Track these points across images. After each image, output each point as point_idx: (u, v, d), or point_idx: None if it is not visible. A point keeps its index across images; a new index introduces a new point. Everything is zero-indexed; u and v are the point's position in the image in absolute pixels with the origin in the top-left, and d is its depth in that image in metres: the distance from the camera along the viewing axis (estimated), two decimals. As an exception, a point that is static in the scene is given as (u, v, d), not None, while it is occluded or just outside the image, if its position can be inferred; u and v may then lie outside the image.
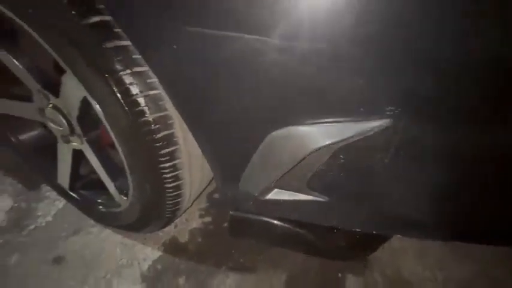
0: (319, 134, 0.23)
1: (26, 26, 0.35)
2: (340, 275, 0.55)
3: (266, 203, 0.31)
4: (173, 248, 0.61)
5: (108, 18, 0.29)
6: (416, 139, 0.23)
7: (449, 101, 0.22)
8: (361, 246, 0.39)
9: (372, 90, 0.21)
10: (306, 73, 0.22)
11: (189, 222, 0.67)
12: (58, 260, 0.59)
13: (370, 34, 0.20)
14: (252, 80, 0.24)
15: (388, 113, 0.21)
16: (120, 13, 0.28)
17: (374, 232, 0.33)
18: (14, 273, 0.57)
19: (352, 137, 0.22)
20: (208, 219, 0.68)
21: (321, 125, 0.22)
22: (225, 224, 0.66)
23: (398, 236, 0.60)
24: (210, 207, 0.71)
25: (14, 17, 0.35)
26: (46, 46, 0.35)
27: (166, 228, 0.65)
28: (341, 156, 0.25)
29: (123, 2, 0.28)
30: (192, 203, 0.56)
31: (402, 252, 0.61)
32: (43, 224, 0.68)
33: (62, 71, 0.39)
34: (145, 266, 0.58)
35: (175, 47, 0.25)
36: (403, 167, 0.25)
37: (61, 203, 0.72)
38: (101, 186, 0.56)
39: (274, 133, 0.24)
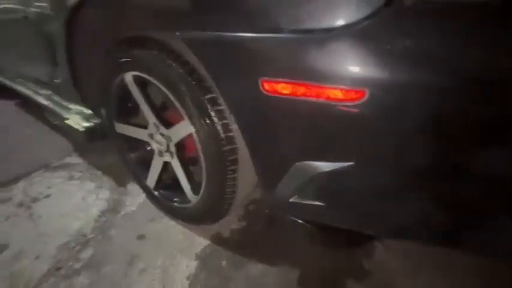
0: (316, 167, 0.44)
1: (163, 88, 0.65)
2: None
3: (290, 204, 0.52)
4: (218, 239, 0.84)
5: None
6: (372, 178, 0.43)
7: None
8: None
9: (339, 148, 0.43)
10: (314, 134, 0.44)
11: (230, 224, 0.89)
12: (141, 237, 0.85)
13: None
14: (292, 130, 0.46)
15: (351, 159, 0.42)
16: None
17: (359, 230, 0.52)
18: (113, 242, 0.84)
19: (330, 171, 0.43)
20: (243, 223, 0.90)
21: (317, 162, 0.44)
22: (255, 227, 0.88)
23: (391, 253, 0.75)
24: (246, 215, 0.93)
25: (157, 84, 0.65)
26: (174, 100, 0.63)
27: (213, 226, 0.88)
28: (330, 179, 0.45)
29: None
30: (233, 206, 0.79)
31: (394, 270, 0.75)
32: (130, 212, 0.96)
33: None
34: (198, 249, 0.80)
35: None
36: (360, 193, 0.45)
37: (142, 198, 1.00)
38: (176, 188, 0.83)
39: (297, 163, 0.47)
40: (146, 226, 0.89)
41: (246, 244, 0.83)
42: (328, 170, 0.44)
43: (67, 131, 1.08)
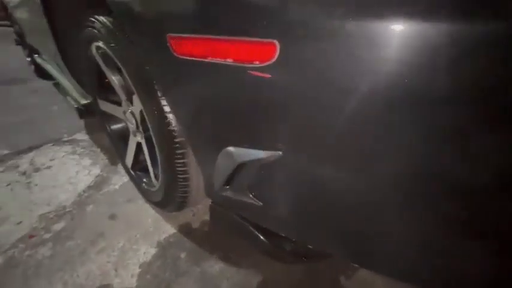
0: (242, 154, 0.34)
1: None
2: None
3: (224, 198, 0.43)
4: (185, 230, 0.78)
5: None
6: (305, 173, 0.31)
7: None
8: (300, 253, 0.44)
9: (268, 133, 0.31)
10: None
11: (203, 215, 0.83)
12: (112, 217, 0.84)
13: None
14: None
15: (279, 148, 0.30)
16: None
17: (296, 239, 0.40)
18: (86, 218, 0.84)
19: (259, 159, 0.32)
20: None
21: (245, 148, 0.34)
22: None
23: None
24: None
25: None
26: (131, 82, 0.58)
27: (186, 215, 0.83)
28: (262, 172, 0.34)
29: None
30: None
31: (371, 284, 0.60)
32: (112, 190, 0.96)
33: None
34: (162, 237, 0.76)
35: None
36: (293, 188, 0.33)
37: (126, 178, 1.00)
38: (147, 171, 0.79)
39: (226, 148, 0.37)
40: (121, 206, 0.88)
41: (213, 239, 0.75)
42: (254, 159, 0.33)
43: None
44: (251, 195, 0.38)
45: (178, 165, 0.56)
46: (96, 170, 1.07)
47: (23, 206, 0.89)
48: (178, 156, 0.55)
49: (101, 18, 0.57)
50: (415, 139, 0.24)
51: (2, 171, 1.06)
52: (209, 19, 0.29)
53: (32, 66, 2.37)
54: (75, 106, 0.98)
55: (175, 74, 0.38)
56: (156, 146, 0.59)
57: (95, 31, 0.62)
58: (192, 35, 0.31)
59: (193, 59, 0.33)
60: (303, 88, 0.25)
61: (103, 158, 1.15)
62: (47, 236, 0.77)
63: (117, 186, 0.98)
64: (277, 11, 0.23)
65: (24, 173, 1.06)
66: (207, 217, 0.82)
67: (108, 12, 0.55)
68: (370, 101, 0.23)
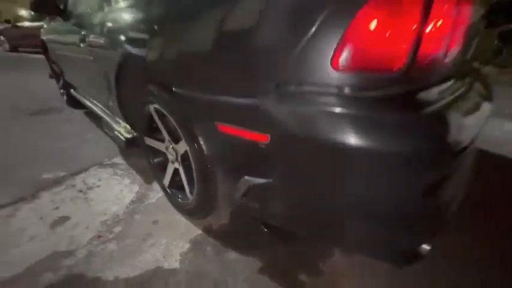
0: (252, 180, 0.67)
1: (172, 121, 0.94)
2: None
3: (240, 205, 0.74)
4: (208, 230, 1.09)
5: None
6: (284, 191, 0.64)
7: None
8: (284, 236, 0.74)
9: (263, 169, 0.65)
10: None
11: (220, 220, 1.14)
12: (155, 222, 1.15)
13: None
14: None
15: (269, 177, 0.63)
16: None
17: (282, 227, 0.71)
18: (136, 223, 1.15)
19: (261, 183, 0.65)
20: (230, 221, 1.13)
21: (253, 177, 0.67)
22: (238, 225, 1.10)
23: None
24: (232, 215, 1.16)
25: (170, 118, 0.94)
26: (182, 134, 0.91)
27: (207, 220, 1.13)
28: (261, 189, 0.67)
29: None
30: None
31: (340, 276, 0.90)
32: (151, 203, 1.27)
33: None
34: (192, 236, 1.06)
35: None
36: None
37: (160, 194, 1.31)
38: (182, 188, 1.11)
39: (244, 177, 0.70)
40: (160, 214, 1.19)
41: (229, 236, 1.06)
42: (258, 183, 0.65)
43: (114, 139, 1.47)
44: (256, 202, 0.70)
45: (210, 185, 0.89)
46: (136, 188, 1.39)
47: (86, 215, 1.20)
48: (211, 179, 0.88)
49: (164, 94, 0.91)
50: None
51: (64, 189, 1.38)
52: (239, 118, 0.62)
53: (65, 97, 2.75)
54: (123, 138, 1.32)
55: (214, 137, 0.71)
56: (194, 171, 0.92)
57: (156, 99, 0.97)
58: (229, 125, 0.64)
59: (228, 133, 0.65)
60: (281, 153, 0.58)
61: (139, 179, 1.47)
62: (110, 236, 1.08)
63: (154, 200, 1.29)
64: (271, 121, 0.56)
65: (81, 191, 1.38)
66: (223, 221, 1.13)
67: (168, 91, 0.89)
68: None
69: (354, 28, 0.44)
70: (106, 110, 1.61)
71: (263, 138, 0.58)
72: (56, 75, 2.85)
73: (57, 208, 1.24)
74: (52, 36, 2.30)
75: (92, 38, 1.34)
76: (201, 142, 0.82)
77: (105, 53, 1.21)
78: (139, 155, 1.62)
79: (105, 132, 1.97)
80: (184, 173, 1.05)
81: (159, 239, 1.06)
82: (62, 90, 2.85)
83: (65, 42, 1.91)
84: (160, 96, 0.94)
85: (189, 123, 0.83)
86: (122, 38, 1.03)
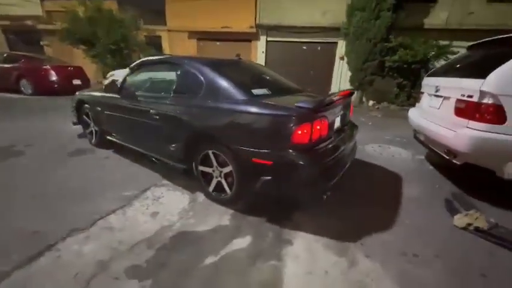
0: (264, 177, 1.85)
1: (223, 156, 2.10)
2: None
3: (259, 190, 1.92)
4: (237, 210, 2.21)
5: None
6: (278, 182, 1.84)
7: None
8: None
9: (269, 174, 1.84)
10: None
11: (244, 205, 2.27)
12: (207, 208, 2.22)
13: None
14: None
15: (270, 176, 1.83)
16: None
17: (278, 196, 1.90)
18: (198, 212, 2.21)
19: (267, 178, 1.83)
20: (250, 205, 2.27)
21: (265, 177, 1.86)
22: (254, 206, 2.25)
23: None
24: (251, 201, 2.30)
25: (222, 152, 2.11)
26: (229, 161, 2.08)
27: (236, 206, 2.25)
28: (267, 181, 1.86)
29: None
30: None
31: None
32: (201, 201, 2.34)
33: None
34: (230, 212, 2.17)
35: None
36: None
37: (203, 197, 2.39)
38: (221, 190, 2.23)
39: (261, 177, 1.86)
40: (208, 205, 2.26)
41: (251, 211, 2.19)
42: (266, 178, 1.85)
43: (171, 168, 2.52)
44: (265, 187, 1.88)
45: (242, 186, 2.05)
46: (187, 196, 2.44)
47: (167, 210, 2.20)
48: (243, 183, 2.04)
49: (221, 146, 2.07)
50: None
51: (144, 199, 2.34)
52: (263, 156, 1.82)
53: (93, 140, 3.59)
54: (182, 168, 2.40)
55: (250, 164, 1.89)
56: (235, 180, 2.06)
57: (213, 148, 2.12)
58: (257, 159, 1.82)
59: (256, 162, 1.84)
60: (279, 169, 1.80)
61: (185, 191, 2.51)
62: (188, 216, 2.11)
63: (201, 200, 2.36)
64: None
65: (154, 199, 2.36)
66: (247, 205, 2.26)
67: (225, 146, 2.06)
68: None
69: (296, 134, 1.72)
70: (160, 152, 2.64)
71: (269, 163, 1.80)
72: (84, 123, 3.69)
73: (147, 208, 2.22)
74: (97, 100, 3.25)
75: (160, 111, 2.43)
76: (242, 166, 1.99)
77: (177, 123, 2.32)
78: (179, 178, 2.68)
79: (153, 162, 2.95)
80: (225, 182, 2.19)
81: (213, 214, 2.14)
82: (89, 136, 3.68)
83: (116, 107, 2.93)
84: (218, 147, 2.09)
85: (236, 159, 1.99)
86: (191, 118, 2.19)
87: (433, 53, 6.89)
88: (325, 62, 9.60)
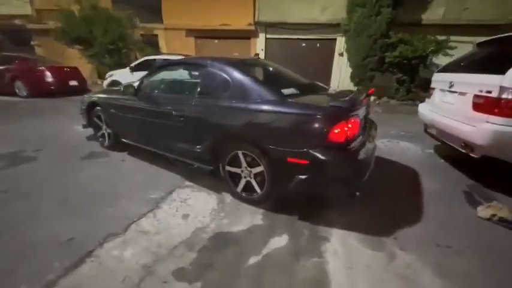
0: (300, 176, 1.88)
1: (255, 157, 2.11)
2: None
3: (293, 189, 1.94)
4: (267, 208, 2.23)
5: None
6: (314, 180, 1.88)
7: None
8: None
9: (306, 173, 1.87)
10: None
11: (272, 203, 2.29)
12: (237, 208, 2.24)
13: None
14: None
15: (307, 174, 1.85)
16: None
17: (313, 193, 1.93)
18: (229, 212, 2.22)
19: (303, 177, 1.86)
20: (277, 203, 2.30)
21: (300, 176, 1.89)
22: (281, 204, 2.28)
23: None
24: (279, 200, 2.33)
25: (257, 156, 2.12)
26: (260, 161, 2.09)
27: (265, 205, 2.27)
28: (303, 179, 1.88)
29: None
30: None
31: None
32: (229, 202, 2.35)
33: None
34: (261, 211, 2.19)
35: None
36: None
37: (230, 197, 2.40)
38: (250, 189, 2.24)
39: (296, 176, 1.88)
40: (238, 205, 2.28)
41: (281, 210, 2.22)
42: (302, 177, 1.88)
43: (190, 170, 2.51)
44: (300, 186, 1.91)
45: (274, 186, 2.07)
46: (214, 196, 2.44)
47: (197, 211, 2.21)
48: (275, 183, 2.06)
49: (252, 147, 2.08)
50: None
51: (172, 201, 2.34)
52: (299, 156, 1.84)
53: (105, 143, 3.53)
54: (209, 169, 2.40)
55: (285, 163, 1.90)
56: (267, 180, 2.08)
57: (244, 148, 2.13)
58: (293, 158, 1.84)
59: (292, 162, 1.86)
60: (315, 168, 1.83)
61: (211, 192, 2.52)
62: (220, 217, 2.12)
63: (229, 200, 2.37)
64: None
65: (181, 201, 2.35)
66: (275, 203, 2.28)
67: (257, 146, 2.07)
68: None
69: (332, 133, 1.75)
70: (184, 154, 2.62)
71: (305, 162, 1.83)
72: (95, 126, 3.62)
73: (177, 210, 2.22)
74: (111, 102, 3.20)
75: (185, 113, 2.41)
76: (276, 166, 2.00)
77: (203, 124, 2.31)
78: (202, 179, 2.68)
79: (171, 163, 2.93)
80: (255, 181, 2.20)
81: (245, 214, 2.15)
82: (100, 139, 3.62)
83: (133, 109, 2.89)
84: (248, 147, 2.10)
85: (269, 159, 2.00)
86: (221, 118, 2.18)
87: (431, 48, 7.03)
88: (324, 59, 9.66)
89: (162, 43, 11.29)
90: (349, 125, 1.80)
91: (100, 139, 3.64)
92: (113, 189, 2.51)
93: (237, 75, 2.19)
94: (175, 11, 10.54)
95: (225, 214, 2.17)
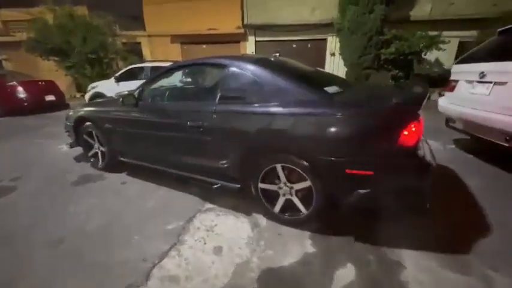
0: (360, 191, 1.55)
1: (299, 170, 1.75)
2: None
3: (352, 203, 1.61)
4: (314, 237, 1.87)
5: None
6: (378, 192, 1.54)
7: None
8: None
9: (369, 187, 1.54)
10: None
11: (315, 223, 1.93)
12: (280, 234, 1.85)
13: None
14: None
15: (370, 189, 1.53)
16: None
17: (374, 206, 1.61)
18: (266, 238, 1.83)
19: (363, 192, 1.53)
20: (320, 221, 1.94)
21: (361, 190, 1.55)
22: (326, 223, 1.93)
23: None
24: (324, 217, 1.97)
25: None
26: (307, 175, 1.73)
27: (309, 227, 1.91)
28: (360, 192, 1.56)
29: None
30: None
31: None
32: (264, 225, 1.96)
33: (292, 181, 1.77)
34: (307, 234, 1.82)
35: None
36: None
37: (264, 219, 2.01)
38: (290, 210, 1.87)
39: (357, 191, 1.55)
40: (277, 229, 1.90)
41: (324, 230, 1.86)
42: (364, 191, 1.54)
43: (208, 189, 2.11)
44: (361, 200, 1.57)
45: (323, 203, 1.72)
46: (244, 220, 2.04)
47: (230, 242, 1.79)
48: (325, 200, 1.71)
49: (297, 159, 1.72)
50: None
51: (196, 231, 1.91)
52: (363, 167, 1.50)
53: (99, 164, 3.02)
54: (235, 188, 2.01)
55: (343, 175, 1.57)
56: (315, 196, 1.73)
57: (285, 161, 1.76)
58: (354, 170, 1.51)
59: (352, 173, 1.52)
60: (382, 180, 1.50)
61: (239, 214, 2.11)
62: (260, 248, 1.73)
63: (265, 223, 1.98)
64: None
65: (207, 230, 1.93)
66: (317, 224, 1.92)
67: (304, 158, 1.72)
68: None
69: (402, 135, 1.43)
70: (203, 171, 2.20)
71: (369, 173, 1.50)
72: (86, 145, 3.10)
73: (205, 243, 1.79)
74: (105, 116, 2.72)
75: (203, 123, 2.01)
76: (329, 180, 1.64)
77: (229, 135, 1.92)
78: (224, 199, 2.27)
79: (184, 183, 2.50)
80: (298, 199, 1.84)
81: (290, 241, 1.78)
82: (93, 159, 3.11)
83: (134, 122, 2.45)
84: (290, 159, 1.74)
85: (320, 172, 1.65)
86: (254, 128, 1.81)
87: (423, 43, 7.07)
88: (316, 59, 9.54)
89: (146, 51, 10.71)
90: (418, 126, 1.50)
91: (92, 159, 3.12)
92: (118, 223, 2.04)
93: (268, 74, 1.83)
94: (158, 17, 10.05)
95: (266, 243, 1.78)
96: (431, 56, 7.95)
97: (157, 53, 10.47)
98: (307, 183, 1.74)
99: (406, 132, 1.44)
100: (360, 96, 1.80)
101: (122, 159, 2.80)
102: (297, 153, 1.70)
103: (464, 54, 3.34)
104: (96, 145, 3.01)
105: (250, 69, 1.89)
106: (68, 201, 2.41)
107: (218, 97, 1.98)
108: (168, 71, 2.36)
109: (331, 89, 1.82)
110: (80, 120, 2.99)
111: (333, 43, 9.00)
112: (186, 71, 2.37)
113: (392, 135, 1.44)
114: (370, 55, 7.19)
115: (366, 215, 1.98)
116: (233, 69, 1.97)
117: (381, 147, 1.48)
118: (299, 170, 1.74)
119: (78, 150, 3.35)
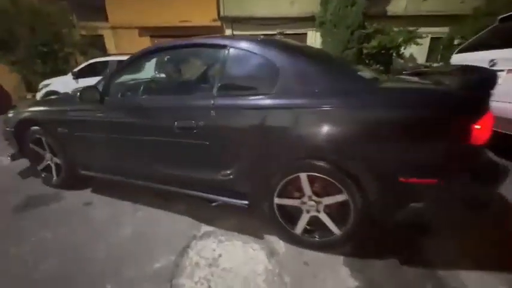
0: (416, 205, 1.20)
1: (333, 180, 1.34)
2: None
3: (402, 218, 1.25)
4: (352, 263, 1.48)
5: None
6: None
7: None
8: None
9: (430, 200, 1.20)
10: None
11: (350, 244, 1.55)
12: (306, 263, 1.44)
13: None
14: None
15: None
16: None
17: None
18: (285, 267, 1.40)
19: (421, 205, 1.19)
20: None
21: (415, 203, 1.21)
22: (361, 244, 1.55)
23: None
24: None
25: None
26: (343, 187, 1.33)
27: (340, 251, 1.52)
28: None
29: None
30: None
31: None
32: (283, 251, 1.53)
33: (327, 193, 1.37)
34: (341, 259, 1.43)
35: None
36: None
37: (281, 243, 1.58)
38: (319, 229, 1.47)
39: (411, 204, 1.20)
40: (301, 256, 1.48)
41: (358, 253, 1.49)
42: (418, 205, 1.19)
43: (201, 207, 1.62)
44: (414, 214, 1.23)
45: (364, 220, 1.34)
46: (255, 246, 1.58)
47: (243, 281, 1.34)
48: (366, 215, 1.33)
49: (331, 167, 1.30)
50: None
51: (195, 269, 1.41)
52: (421, 174, 1.15)
53: (53, 180, 2.35)
54: (243, 204, 1.54)
55: (394, 185, 1.20)
56: (353, 213, 1.34)
57: (311, 169, 1.34)
58: (410, 178, 1.15)
59: (410, 181, 1.16)
60: (448, 190, 1.15)
61: (248, 238, 1.65)
62: (281, 272, 1.30)
63: (284, 249, 1.55)
64: None
65: (210, 264, 1.45)
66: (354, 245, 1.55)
67: (338, 166, 1.31)
68: None
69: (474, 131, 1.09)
70: (199, 184, 1.69)
71: (432, 182, 1.14)
72: (34, 156, 2.39)
73: (210, 285, 1.31)
74: (59, 117, 2.07)
75: (197, 123, 1.52)
76: (374, 191, 1.25)
77: (234, 138, 1.46)
78: (224, 218, 1.80)
79: (167, 200, 1.96)
80: (327, 217, 1.43)
81: (321, 271, 1.37)
82: (44, 174, 2.41)
83: (100, 124, 1.86)
84: (319, 167, 1.32)
85: (361, 182, 1.25)
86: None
87: (402, 38, 7.16)
88: (296, 54, 9.30)
89: (109, 44, 9.57)
90: (491, 119, 1.17)
91: (43, 174, 2.42)
92: (81, 266, 1.46)
93: (290, 55, 1.39)
94: (122, 7, 9.01)
95: (292, 277, 1.35)
96: (406, 51, 8.13)
97: (123, 47, 9.40)
98: (342, 197, 1.34)
99: (478, 127, 1.10)
100: (408, 84, 1.44)
101: (83, 172, 2.17)
102: (333, 158, 1.29)
103: (464, 44, 3.23)
104: (48, 155, 2.32)
105: (263, 49, 1.43)
106: (11, 235, 1.75)
107: (217, 88, 1.50)
108: (144, 55, 1.79)
109: (366, 74, 1.44)
110: (24, 124, 2.28)
111: (313, 37, 8.82)
112: (169, 56, 1.83)
113: (463, 130, 1.10)
114: (353, 49, 7.11)
115: (405, 229, 1.65)
116: (238, 50, 1.49)
117: (447, 147, 1.13)
118: (332, 180, 1.33)
119: (24, 162, 2.61)
